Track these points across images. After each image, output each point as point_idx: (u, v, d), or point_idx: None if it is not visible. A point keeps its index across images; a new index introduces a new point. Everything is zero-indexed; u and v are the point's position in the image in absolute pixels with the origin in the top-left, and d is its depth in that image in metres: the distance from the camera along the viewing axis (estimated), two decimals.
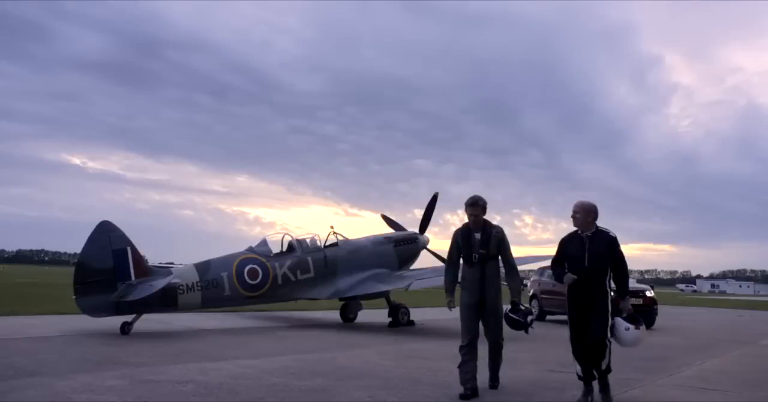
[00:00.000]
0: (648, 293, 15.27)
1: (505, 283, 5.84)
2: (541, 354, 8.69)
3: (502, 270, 5.88)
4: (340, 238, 13.28)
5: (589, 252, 5.37)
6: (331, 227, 13.26)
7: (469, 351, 5.51)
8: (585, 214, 5.48)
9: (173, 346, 8.42)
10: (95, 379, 5.64)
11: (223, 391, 5.30)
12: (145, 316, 10.16)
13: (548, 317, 16.37)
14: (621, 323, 5.31)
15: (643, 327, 5.36)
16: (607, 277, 5.40)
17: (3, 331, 9.25)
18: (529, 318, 5.73)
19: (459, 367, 5.52)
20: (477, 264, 5.65)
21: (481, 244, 5.65)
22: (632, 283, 18.17)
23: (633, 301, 14.85)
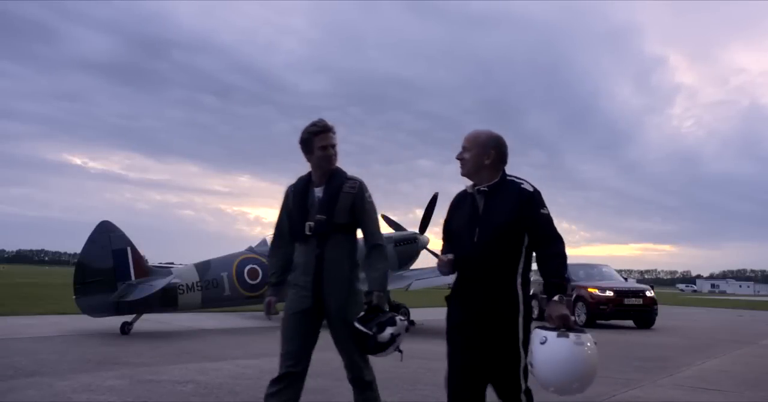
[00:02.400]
0: (648, 293, 15.26)
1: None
2: None
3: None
4: None
5: (483, 221, 2.94)
6: None
7: (281, 390, 3.23)
8: (480, 149, 3.02)
9: (173, 346, 8.41)
10: (95, 379, 5.64)
11: (223, 391, 5.30)
12: (145, 316, 10.16)
13: None
14: (537, 334, 2.79)
15: (589, 342, 2.75)
16: (519, 268, 2.93)
17: (3, 331, 9.25)
18: (389, 331, 3.18)
19: None
20: (312, 239, 3.31)
21: (321, 205, 3.33)
22: (632, 283, 18.30)
23: (633, 301, 14.87)
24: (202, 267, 10.98)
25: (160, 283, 9.78)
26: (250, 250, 11.91)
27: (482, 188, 3.02)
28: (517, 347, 2.89)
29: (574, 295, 14.95)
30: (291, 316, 3.35)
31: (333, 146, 3.38)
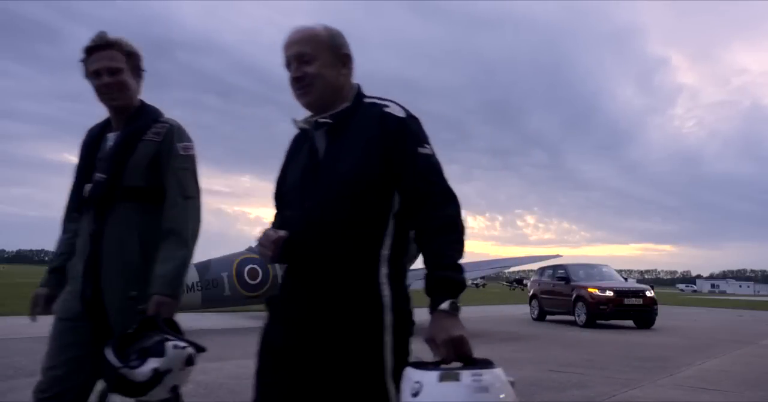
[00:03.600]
0: (648, 293, 15.25)
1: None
2: (541, 354, 8.69)
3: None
4: None
5: (324, 171, 1.65)
6: None
7: None
8: (329, 55, 1.71)
9: None
10: None
11: (223, 391, 5.30)
12: None
13: (548, 317, 16.37)
14: (407, 377, 1.42)
15: (499, 382, 1.46)
16: (384, 251, 1.61)
17: (3, 331, 9.27)
18: (151, 365, 1.89)
19: None
20: (90, 210, 2.19)
21: (106, 159, 2.19)
22: (632, 283, 18.26)
23: (633, 301, 14.84)
24: (202, 267, 10.98)
25: None
26: (250, 250, 11.90)
27: (322, 119, 1.72)
28: (381, 385, 1.58)
29: (574, 295, 14.96)
30: (57, 322, 2.19)
31: (112, 71, 2.14)
